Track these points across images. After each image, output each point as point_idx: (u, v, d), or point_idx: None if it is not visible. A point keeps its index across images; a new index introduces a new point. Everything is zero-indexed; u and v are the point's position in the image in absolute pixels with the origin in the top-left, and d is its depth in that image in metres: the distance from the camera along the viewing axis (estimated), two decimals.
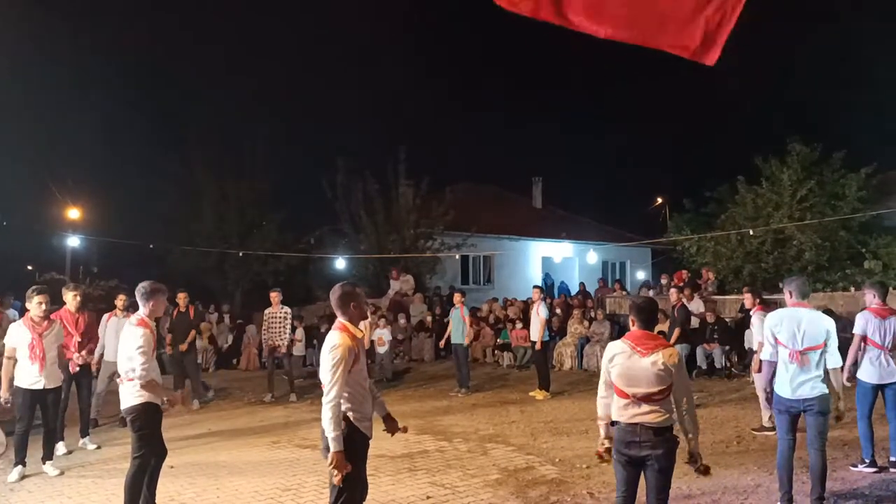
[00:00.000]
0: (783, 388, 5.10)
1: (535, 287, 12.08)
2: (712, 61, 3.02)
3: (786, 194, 15.90)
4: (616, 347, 4.01)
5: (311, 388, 11.28)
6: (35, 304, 6.47)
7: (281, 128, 42.15)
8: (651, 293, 16.05)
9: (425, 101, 61.43)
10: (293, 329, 11.59)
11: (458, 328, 11.57)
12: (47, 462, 6.66)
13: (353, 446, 3.86)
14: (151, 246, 18.68)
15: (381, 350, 13.56)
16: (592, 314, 14.98)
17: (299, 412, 9.99)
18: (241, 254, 19.46)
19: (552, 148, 61.88)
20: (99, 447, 7.74)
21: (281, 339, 11.08)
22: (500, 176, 46.32)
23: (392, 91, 60.30)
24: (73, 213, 21.20)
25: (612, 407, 3.99)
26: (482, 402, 10.48)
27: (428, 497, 5.66)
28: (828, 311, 11.19)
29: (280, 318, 11.11)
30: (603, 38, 3.08)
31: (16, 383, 6.41)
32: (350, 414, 3.85)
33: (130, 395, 4.85)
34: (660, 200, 28.43)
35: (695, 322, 12.19)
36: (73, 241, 20.16)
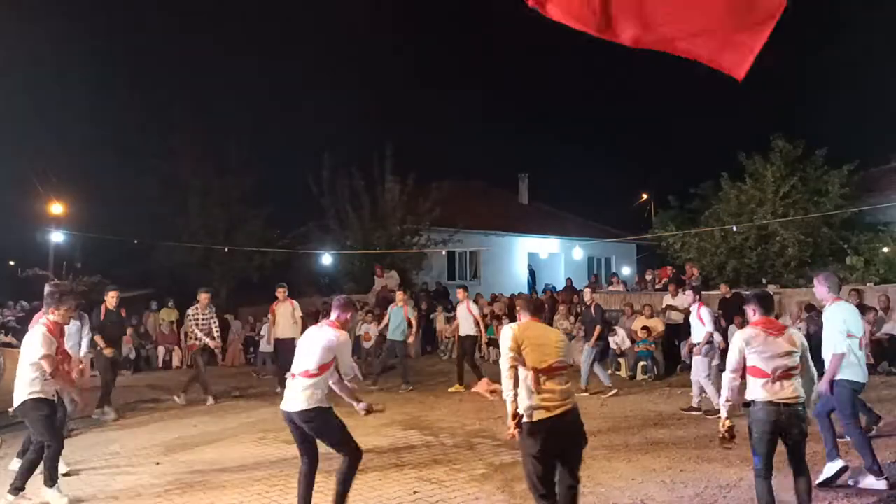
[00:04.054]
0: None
1: (460, 288, 12.40)
2: (741, 76, 2.97)
3: (769, 191, 16.04)
4: (749, 332, 4.48)
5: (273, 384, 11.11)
6: (62, 313, 5.66)
7: (267, 123, 41.97)
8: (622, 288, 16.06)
9: (412, 98, 61.39)
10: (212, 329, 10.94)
11: (399, 325, 11.86)
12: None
13: None
14: (136, 241, 18.53)
15: (367, 345, 13.56)
16: (578, 310, 15.05)
17: None
18: (226, 249, 19.37)
19: (538, 144, 62.11)
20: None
21: (199, 342, 10.61)
22: (487, 172, 46.52)
23: (379, 87, 60.22)
24: (57, 208, 20.97)
25: (749, 387, 4.45)
26: (468, 398, 10.49)
27: (415, 492, 5.68)
28: (809, 307, 11.34)
29: (204, 320, 10.72)
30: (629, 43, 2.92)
31: (38, 395, 5.43)
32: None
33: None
34: (645, 197, 28.63)
35: (680, 317, 12.30)
36: (57, 237, 19.95)
